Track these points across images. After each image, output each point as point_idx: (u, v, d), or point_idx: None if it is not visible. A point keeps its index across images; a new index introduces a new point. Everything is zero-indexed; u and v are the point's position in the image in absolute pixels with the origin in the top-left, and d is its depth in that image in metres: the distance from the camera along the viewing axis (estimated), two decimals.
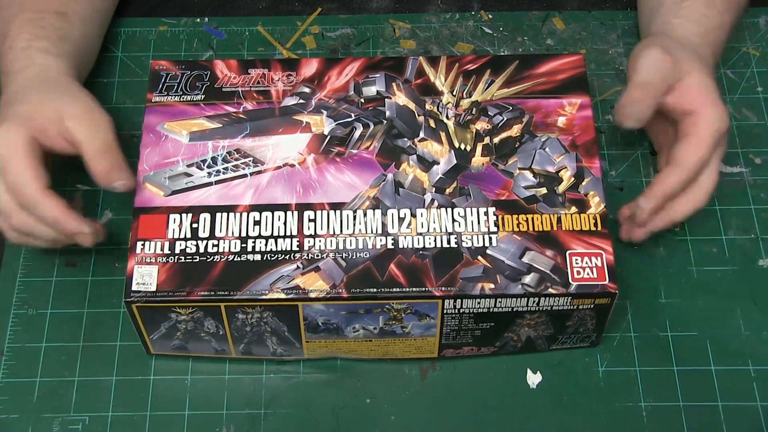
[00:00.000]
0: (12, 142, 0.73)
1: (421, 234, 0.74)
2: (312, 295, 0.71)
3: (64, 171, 0.86)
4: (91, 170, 0.75)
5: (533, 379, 0.78)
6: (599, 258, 0.73)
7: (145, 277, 0.72)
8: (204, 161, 0.77)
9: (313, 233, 0.74)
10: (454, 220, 0.75)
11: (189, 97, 0.81)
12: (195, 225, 0.74)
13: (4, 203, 0.74)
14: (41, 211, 0.73)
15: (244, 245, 0.73)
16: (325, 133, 0.79)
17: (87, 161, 0.75)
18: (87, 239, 0.75)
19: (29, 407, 0.76)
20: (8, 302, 0.81)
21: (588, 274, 0.73)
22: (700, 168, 0.77)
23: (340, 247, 0.73)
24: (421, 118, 0.80)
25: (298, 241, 0.74)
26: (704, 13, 0.84)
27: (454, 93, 0.81)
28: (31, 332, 0.80)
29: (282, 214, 0.75)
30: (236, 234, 0.74)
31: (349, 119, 0.80)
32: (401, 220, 0.75)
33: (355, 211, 0.75)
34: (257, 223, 0.74)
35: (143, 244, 0.73)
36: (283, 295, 0.71)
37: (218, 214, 0.75)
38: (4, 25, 0.83)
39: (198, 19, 0.97)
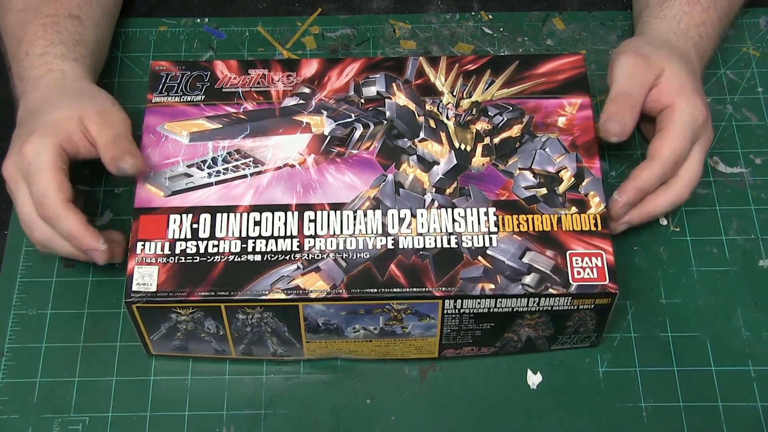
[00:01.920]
0: (41, 153, 0.74)
1: (421, 234, 0.74)
2: (312, 295, 0.71)
3: None
4: (103, 160, 0.76)
5: (533, 379, 0.78)
6: (599, 258, 0.73)
7: (146, 278, 0.72)
8: (204, 162, 0.77)
9: (313, 233, 0.74)
10: (454, 221, 0.75)
11: (189, 98, 0.81)
12: (195, 225, 0.74)
13: (29, 214, 0.75)
14: (60, 223, 0.73)
15: (244, 245, 0.73)
16: (326, 133, 0.79)
17: (99, 153, 0.76)
18: (100, 257, 0.75)
19: (29, 408, 0.76)
20: (8, 302, 0.81)
21: (588, 274, 0.73)
22: (676, 161, 0.77)
23: (341, 247, 0.73)
24: (421, 119, 0.80)
25: (298, 242, 0.74)
26: (685, 10, 0.85)
27: (454, 93, 0.81)
28: (31, 332, 0.80)
29: (282, 214, 0.75)
30: (236, 234, 0.74)
31: (349, 119, 0.80)
32: (401, 220, 0.75)
33: (355, 212, 0.75)
34: (257, 223, 0.74)
35: (143, 245, 0.73)
36: (283, 296, 0.71)
37: (218, 215, 0.75)
38: (20, 29, 0.83)
39: (198, 20, 0.97)
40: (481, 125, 0.80)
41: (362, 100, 0.81)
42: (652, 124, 0.82)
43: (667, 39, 0.83)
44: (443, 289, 0.72)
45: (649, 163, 0.77)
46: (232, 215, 0.75)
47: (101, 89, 0.81)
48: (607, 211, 0.77)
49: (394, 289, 0.72)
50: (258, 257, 0.73)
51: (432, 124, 0.79)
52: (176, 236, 0.74)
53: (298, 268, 0.72)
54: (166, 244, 0.73)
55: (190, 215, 0.75)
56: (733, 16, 0.91)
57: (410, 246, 0.74)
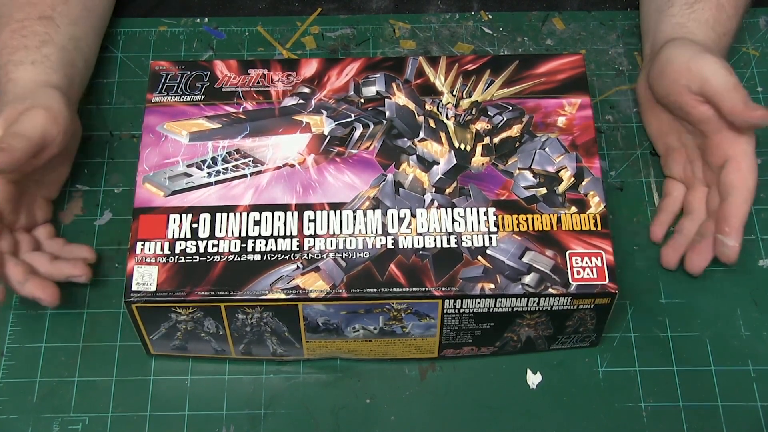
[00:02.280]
0: None
1: (421, 234, 0.74)
2: (312, 295, 0.71)
3: None
4: None
5: (533, 379, 0.78)
6: (599, 258, 0.73)
7: (145, 278, 0.72)
8: (204, 161, 0.77)
9: (313, 233, 0.74)
10: (454, 220, 0.75)
11: (189, 98, 0.81)
12: (195, 225, 0.74)
13: None
14: None
15: (244, 245, 0.73)
16: (325, 133, 0.79)
17: None
18: None
19: (29, 407, 0.76)
20: (8, 302, 0.81)
21: (588, 274, 0.73)
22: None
23: (340, 247, 0.73)
24: (420, 118, 0.80)
25: (298, 241, 0.73)
26: (716, 17, 0.84)
27: (454, 93, 0.81)
28: (31, 332, 0.80)
29: (282, 214, 0.75)
30: (236, 234, 0.74)
31: (349, 119, 0.79)
32: (401, 220, 0.75)
33: (355, 211, 0.75)
34: (257, 223, 0.74)
35: (143, 245, 0.73)
36: (283, 295, 0.71)
37: (218, 215, 0.75)
38: None
39: (198, 20, 0.97)
40: (481, 125, 0.80)
41: (362, 100, 0.81)
42: (669, 126, 0.82)
43: (710, 48, 0.81)
44: (443, 288, 0.72)
45: (741, 199, 0.76)
46: (231, 215, 0.75)
47: (48, 89, 0.79)
48: (675, 244, 0.80)
49: (394, 289, 0.72)
50: (258, 257, 0.73)
51: (432, 123, 0.79)
52: (176, 236, 0.74)
53: (298, 267, 0.72)
54: (166, 244, 0.73)
55: (190, 215, 0.75)
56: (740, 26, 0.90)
57: (410, 246, 0.74)
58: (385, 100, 0.81)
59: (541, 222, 0.75)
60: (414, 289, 0.72)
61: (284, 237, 0.74)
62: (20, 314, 0.80)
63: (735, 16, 0.85)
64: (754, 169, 0.77)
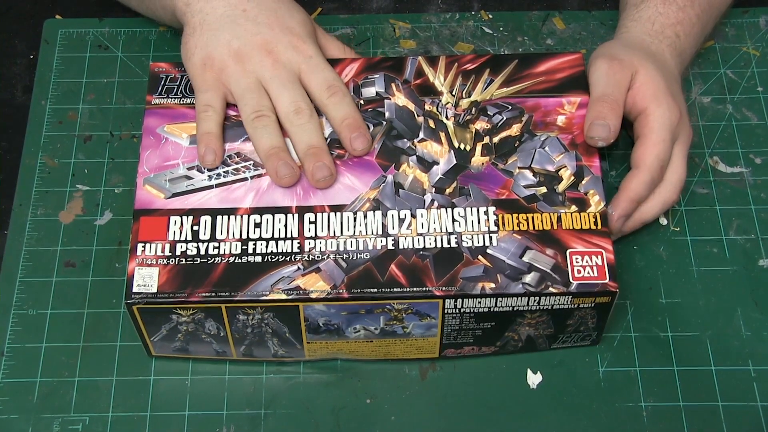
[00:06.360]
0: None
1: (421, 234, 0.74)
2: (313, 295, 0.71)
3: (64, 171, 0.87)
4: None
5: (533, 379, 0.78)
6: (600, 257, 0.73)
7: (146, 279, 0.72)
8: None
9: (313, 235, 0.74)
10: (454, 220, 0.75)
11: (189, 100, 0.81)
12: (196, 227, 0.74)
13: None
14: None
15: (244, 247, 0.73)
16: (325, 135, 0.79)
17: None
18: None
19: (29, 407, 0.77)
20: (8, 302, 0.81)
21: (588, 272, 0.73)
22: (661, 165, 0.78)
23: (341, 248, 0.73)
24: (420, 119, 0.80)
25: (298, 243, 0.74)
26: (660, 11, 0.85)
27: (454, 93, 0.81)
28: (31, 332, 0.80)
29: (282, 216, 0.75)
30: (237, 236, 0.74)
31: None
32: (401, 220, 0.75)
33: (355, 213, 0.75)
34: (258, 225, 0.74)
35: (144, 246, 0.73)
36: (284, 296, 0.71)
37: (219, 217, 0.75)
38: None
39: None
40: (481, 125, 0.80)
41: (361, 101, 0.81)
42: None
43: (641, 41, 0.84)
44: (443, 288, 0.72)
45: (636, 173, 0.78)
46: (232, 217, 0.75)
47: None
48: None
49: (395, 289, 0.72)
50: (258, 258, 0.73)
51: (431, 124, 0.79)
52: (177, 238, 0.74)
53: (299, 269, 0.72)
54: (167, 246, 0.73)
55: (191, 217, 0.75)
56: (717, 13, 0.91)
57: (410, 246, 0.74)
58: (385, 101, 0.81)
59: (542, 221, 0.75)
60: (414, 289, 0.72)
61: (285, 239, 0.74)
62: (20, 314, 0.80)
63: (690, 6, 0.86)
64: (655, 144, 0.77)
